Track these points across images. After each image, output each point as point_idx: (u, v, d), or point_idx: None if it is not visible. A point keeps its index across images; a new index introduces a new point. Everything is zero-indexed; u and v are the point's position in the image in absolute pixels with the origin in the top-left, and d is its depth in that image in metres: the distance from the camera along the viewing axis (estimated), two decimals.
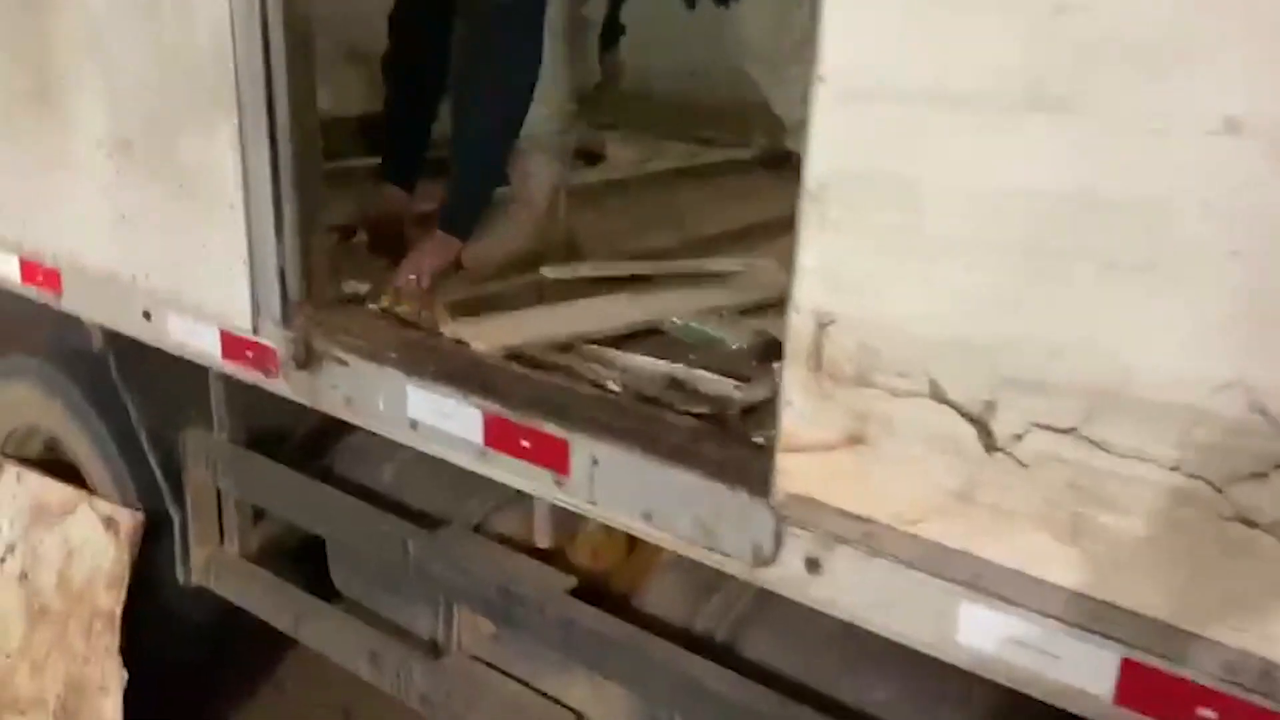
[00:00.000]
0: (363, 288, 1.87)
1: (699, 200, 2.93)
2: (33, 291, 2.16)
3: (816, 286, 1.06)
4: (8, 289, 2.22)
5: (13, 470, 2.39)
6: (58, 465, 2.39)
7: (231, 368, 1.88)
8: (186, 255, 1.87)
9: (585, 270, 2.07)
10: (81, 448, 2.29)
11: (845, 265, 1.03)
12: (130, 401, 2.12)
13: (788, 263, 1.09)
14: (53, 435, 2.37)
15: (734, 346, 1.74)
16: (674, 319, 1.81)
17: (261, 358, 1.81)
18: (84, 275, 2.05)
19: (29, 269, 2.15)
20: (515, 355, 1.65)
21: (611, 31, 2.72)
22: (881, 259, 1.00)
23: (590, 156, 3.45)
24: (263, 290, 1.78)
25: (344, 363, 1.71)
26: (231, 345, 1.86)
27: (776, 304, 1.28)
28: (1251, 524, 0.84)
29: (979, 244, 0.94)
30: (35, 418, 2.39)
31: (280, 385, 1.81)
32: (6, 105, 2.09)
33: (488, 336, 1.69)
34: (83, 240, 2.03)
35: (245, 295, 1.79)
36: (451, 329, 1.72)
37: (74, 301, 2.10)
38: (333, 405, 1.76)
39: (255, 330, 1.81)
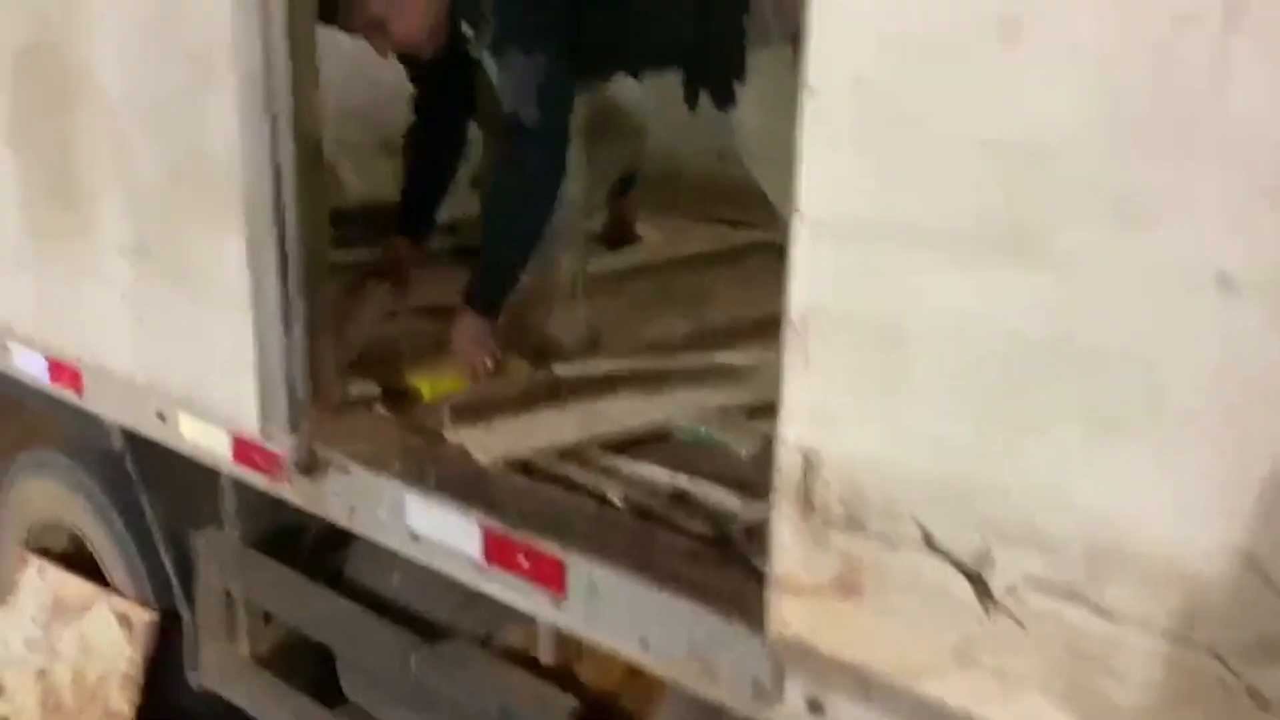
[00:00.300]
0: (372, 390, 1.86)
1: (725, 285, 2.89)
2: (58, 390, 2.19)
3: (802, 422, 1.01)
4: (37, 386, 2.25)
5: (35, 564, 2.41)
6: (82, 560, 2.40)
7: (240, 471, 1.87)
8: (198, 358, 1.88)
9: (597, 367, 2.04)
10: (101, 544, 2.29)
11: (828, 402, 0.98)
12: (146, 500, 2.13)
13: None
14: (76, 530, 2.38)
15: (743, 453, 1.68)
16: (681, 423, 1.76)
17: (268, 462, 1.80)
18: (104, 375, 2.06)
19: (55, 368, 2.18)
20: (519, 464, 1.62)
21: (626, 184, 2.81)
22: (864, 397, 0.96)
23: (619, 239, 3.46)
24: (270, 394, 1.77)
25: (347, 471, 1.69)
26: (240, 449, 1.85)
27: None
28: (1263, 702, 0.77)
29: (960, 387, 0.89)
30: (60, 512, 2.40)
31: (286, 490, 1.79)
32: (34, 209, 2.14)
33: (491, 444, 1.66)
34: (103, 341, 2.05)
35: (253, 399, 1.79)
36: (455, 434, 1.70)
37: (94, 401, 2.11)
38: (337, 513, 1.74)
39: (263, 434, 1.80)
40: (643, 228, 3.52)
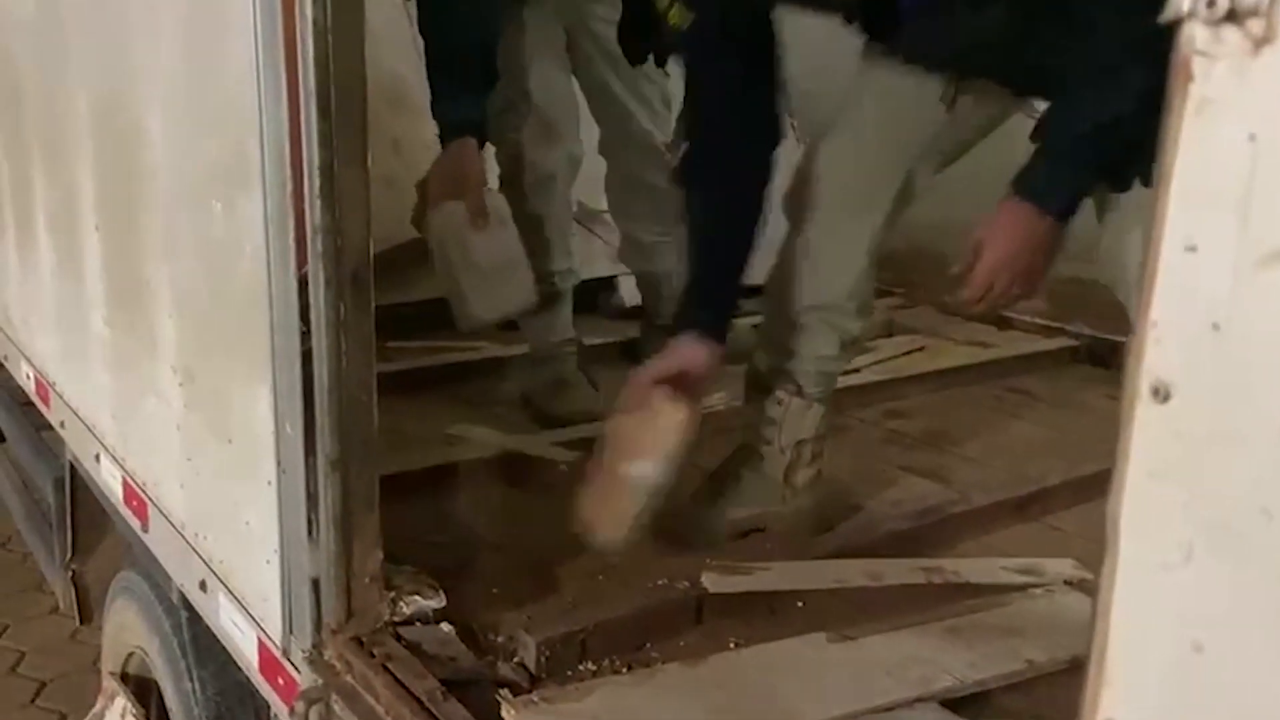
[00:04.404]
0: (433, 601, 1.32)
1: (980, 423, 2.16)
2: (129, 516, 1.84)
3: None
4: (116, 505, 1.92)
5: (120, 703, 2.08)
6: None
7: (266, 689, 1.40)
8: (234, 531, 1.43)
9: (760, 582, 1.41)
10: (171, 701, 1.91)
11: None
12: (195, 675, 1.71)
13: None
14: (152, 671, 2.02)
15: None
16: None
17: (289, 691, 1.31)
18: (163, 516, 1.67)
19: (128, 490, 1.83)
20: None
21: None
22: None
23: None
24: (295, 602, 1.29)
25: None
26: (266, 661, 1.38)
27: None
28: None
29: None
30: (145, 647, 2.06)
31: None
32: (112, 297, 1.79)
33: None
34: (163, 476, 1.66)
35: (277, 601, 1.31)
36: (515, 714, 1.12)
37: (155, 542, 1.73)
38: None
39: (285, 653, 1.31)
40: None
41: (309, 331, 1.19)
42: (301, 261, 1.17)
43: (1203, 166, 0.33)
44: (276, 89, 1.14)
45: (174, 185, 1.46)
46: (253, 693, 1.65)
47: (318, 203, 1.14)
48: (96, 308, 1.86)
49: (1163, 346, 0.35)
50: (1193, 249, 0.34)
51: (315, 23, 1.09)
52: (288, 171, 1.15)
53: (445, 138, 1.92)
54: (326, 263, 1.15)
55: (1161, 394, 0.36)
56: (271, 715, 1.57)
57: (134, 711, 2.03)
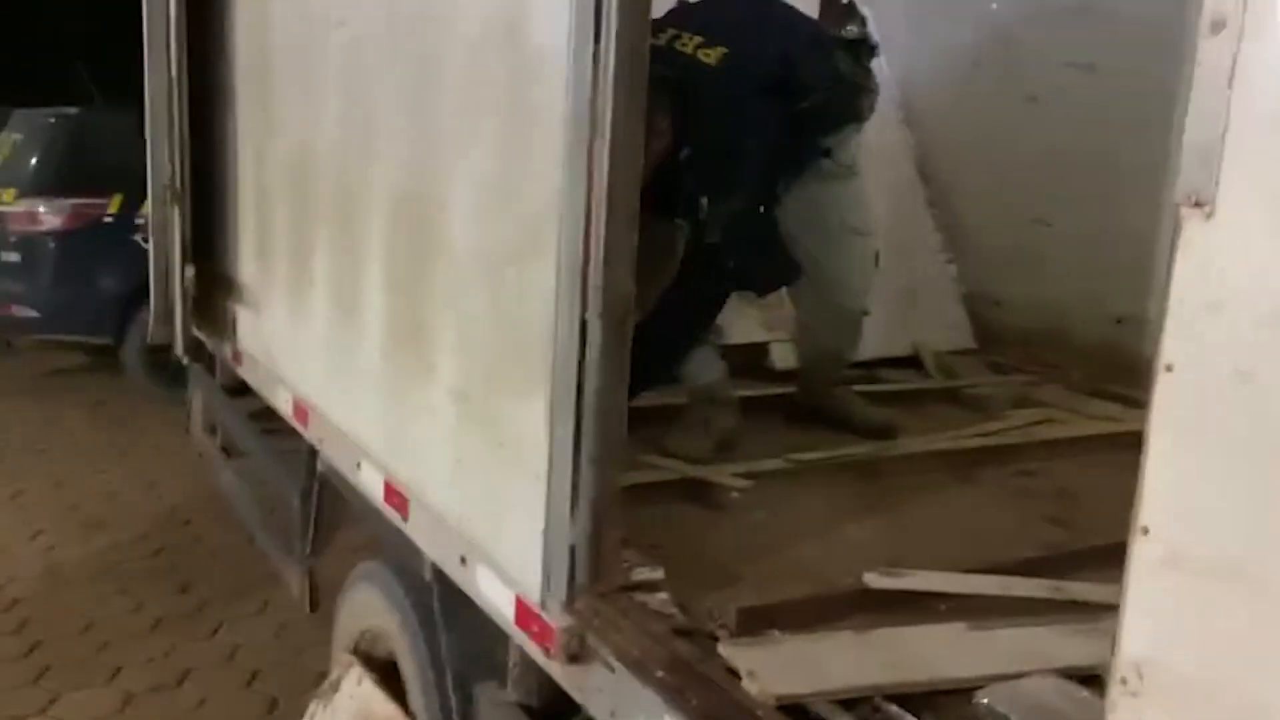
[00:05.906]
0: (656, 574, 1.72)
1: (1102, 484, 2.45)
2: (389, 511, 2.30)
3: None
4: (376, 504, 2.38)
5: (356, 672, 2.52)
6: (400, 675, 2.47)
7: (520, 636, 1.81)
8: (499, 513, 1.86)
9: (912, 583, 1.76)
10: (407, 666, 2.34)
11: None
12: (443, 639, 2.14)
13: None
14: (390, 647, 2.46)
15: None
16: (996, 704, 1.42)
17: (544, 635, 1.72)
18: (424, 508, 2.12)
19: (389, 490, 2.29)
20: (793, 705, 1.39)
21: None
22: None
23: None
24: (554, 565, 1.70)
25: (611, 669, 1.55)
26: (523, 614, 1.79)
27: None
28: None
29: None
30: (382, 624, 2.51)
31: (556, 671, 1.69)
32: (393, 344, 2.28)
33: (769, 672, 1.45)
34: (428, 476, 2.12)
35: (538, 566, 1.72)
36: (730, 649, 1.50)
37: (415, 530, 2.18)
38: (598, 711, 1.60)
39: (543, 606, 1.72)
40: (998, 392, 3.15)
41: (583, 361, 1.62)
42: (584, 309, 1.61)
43: (1191, 262, 0.73)
44: (575, 190, 1.58)
45: (468, 255, 1.94)
46: (490, 654, 2.06)
47: (601, 268, 1.58)
48: (373, 345, 2.36)
49: (1168, 344, 0.75)
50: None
51: (610, 143, 1.54)
52: (580, 245, 1.59)
53: None
54: (605, 311, 1.58)
55: (1170, 369, 0.75)
56: (510, 668, 1.98)
57: (370, 677, 2.47)
